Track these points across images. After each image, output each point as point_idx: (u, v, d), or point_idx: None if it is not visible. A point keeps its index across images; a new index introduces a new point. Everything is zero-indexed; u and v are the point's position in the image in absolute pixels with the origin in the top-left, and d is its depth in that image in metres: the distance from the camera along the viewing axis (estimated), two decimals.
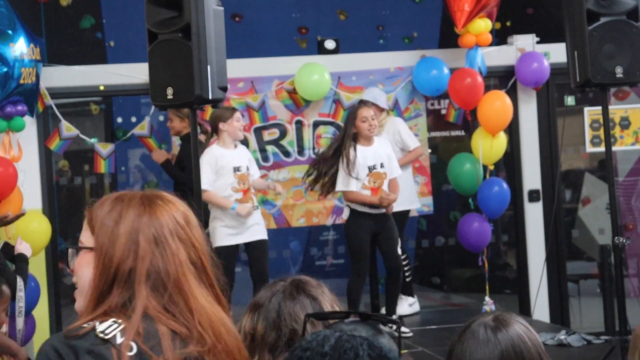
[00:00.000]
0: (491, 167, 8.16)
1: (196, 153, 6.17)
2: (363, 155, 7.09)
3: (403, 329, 6.91)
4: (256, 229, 7.14)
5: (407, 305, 8.08)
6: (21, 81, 7.08)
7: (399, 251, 7.25)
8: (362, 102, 7.42)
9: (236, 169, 7.12)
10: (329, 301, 2.35)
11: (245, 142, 7.92)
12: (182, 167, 7.52)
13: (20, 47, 7.08)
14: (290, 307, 2.29)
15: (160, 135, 8.24)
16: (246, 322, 2.29)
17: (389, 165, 7.19)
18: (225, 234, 7.04)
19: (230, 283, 6.71)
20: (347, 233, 7.28)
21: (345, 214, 7.32)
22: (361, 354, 1.48)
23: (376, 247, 7.32)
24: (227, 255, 6.85)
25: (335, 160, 7.13)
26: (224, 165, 7.06)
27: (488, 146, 8.05)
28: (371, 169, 7.12)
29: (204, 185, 6.87)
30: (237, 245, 7.12)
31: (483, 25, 7.94)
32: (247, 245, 7.15)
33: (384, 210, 7.12)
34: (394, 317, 7.12)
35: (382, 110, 7.77)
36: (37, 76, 7.34)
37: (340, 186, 7.15)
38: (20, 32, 7.16)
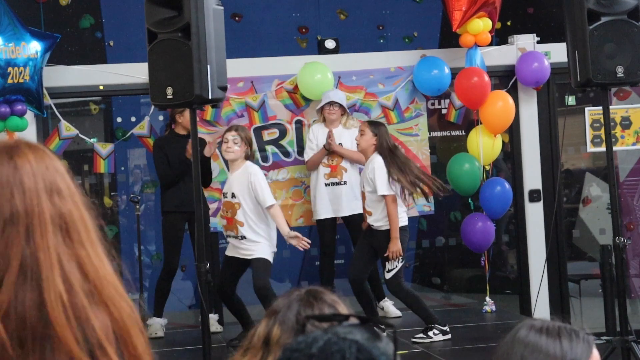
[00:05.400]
0: (487, 167, 8.15)
1: (196, 153, 6.15)
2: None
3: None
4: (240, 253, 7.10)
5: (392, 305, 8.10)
6: (9, 80, 7.04)
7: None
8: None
9: (224, 195, 7.10)
10: (346, 310, 2.35)
11: None
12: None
13: (8, 47, 7.05)
14: (308, 313, 2.32)
15: (160, 135, 8.21)
16: (261, 327, 2.34)
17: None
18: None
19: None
20: None
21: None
22: (348, 357, 1.45)
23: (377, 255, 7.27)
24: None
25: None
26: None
27: (489, 146, 8.03)
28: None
29: None
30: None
31: (482, 25, 7.91)
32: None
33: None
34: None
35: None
36: (39, 74, 7.31)
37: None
38: (17, 31, 7.12)
